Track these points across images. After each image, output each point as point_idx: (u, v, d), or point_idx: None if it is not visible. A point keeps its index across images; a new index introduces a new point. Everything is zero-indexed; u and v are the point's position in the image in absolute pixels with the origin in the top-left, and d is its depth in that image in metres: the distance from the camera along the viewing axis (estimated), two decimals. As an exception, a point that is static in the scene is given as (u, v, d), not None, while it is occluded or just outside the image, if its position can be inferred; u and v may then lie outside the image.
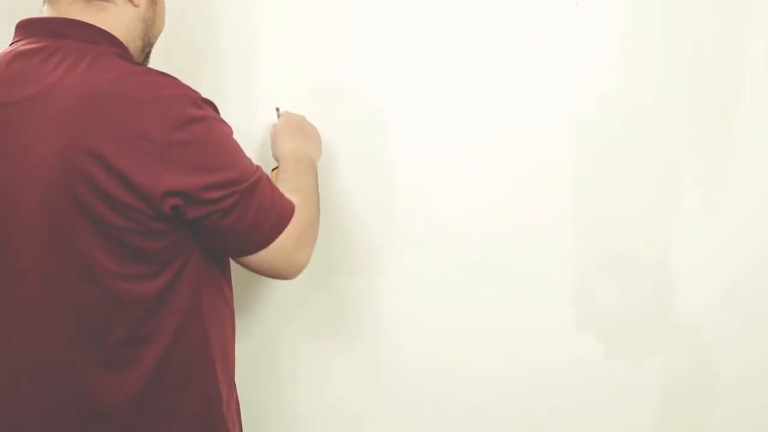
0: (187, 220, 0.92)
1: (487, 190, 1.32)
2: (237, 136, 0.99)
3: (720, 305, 1.32)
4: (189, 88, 0.95)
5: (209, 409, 1.03)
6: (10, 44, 1.00)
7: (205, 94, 0.95)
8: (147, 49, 1.07)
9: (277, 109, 1.31)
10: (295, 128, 1.25)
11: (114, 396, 0.96)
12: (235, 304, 1.11)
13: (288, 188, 1.07)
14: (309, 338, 1.42)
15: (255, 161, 0.93)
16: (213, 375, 1.03)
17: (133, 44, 1.02)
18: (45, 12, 0.99)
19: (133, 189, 0.88)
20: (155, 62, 1.09)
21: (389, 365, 1.41)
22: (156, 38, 1.08)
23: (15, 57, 0.95)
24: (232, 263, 1.05)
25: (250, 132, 1.34)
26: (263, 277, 1.07)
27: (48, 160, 0.89)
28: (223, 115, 0.99)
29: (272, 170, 1.23)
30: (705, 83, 1.25)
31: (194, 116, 0.91)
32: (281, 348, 1.43)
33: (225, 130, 0.97)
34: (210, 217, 0.93)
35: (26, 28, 0.99)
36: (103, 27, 0.98)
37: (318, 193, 1.14)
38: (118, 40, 0.99)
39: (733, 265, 1.31)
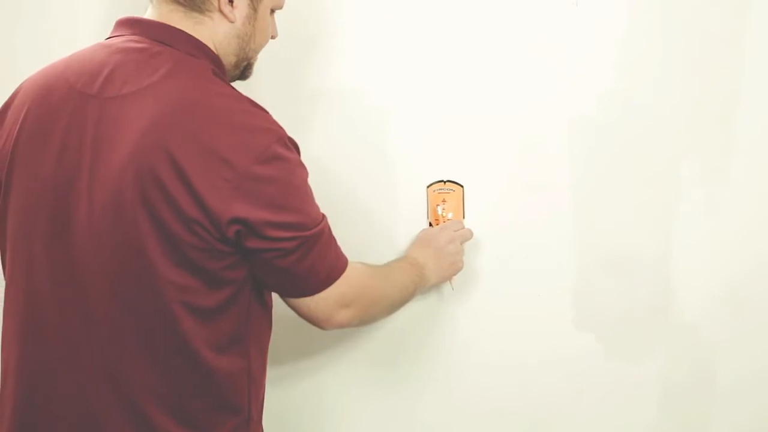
0: (245, 248, 0.92)
1: (486, 189, 1.33)
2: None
3: (720, 305, 1.32)
4: (278, 125, 0.95)
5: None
6: (108, 38, 1.01)
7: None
8: (243, 64, 1.06)
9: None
10: (435, 246, 1.26)
11: (151, 398, 0.96)
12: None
13: (385, 266, 1.18)
14: (307, 343, 1.41)
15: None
16: (247, 401, 1.03)
17: (226, 59, 1.02)
18: (148, 14, 1.00)
19: (204, 208, 0.88)
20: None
21: (388, 365, 1.41)
22: (255, 53, 1.06)
23: (116, 52, 0.96)
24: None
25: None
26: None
27: (127, 158, 0.89)
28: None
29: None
30: (704, 83, 1.25)
31: (279, 154, 0.92)
32: (285, 350, 1.43)
33: (303, 174, 0.97)
34: (268, 252, 0.93)
35: (129, 26, 1.00)
36: (200, 39, 0.98)
37: (397, 295, 1.15)
38: (216, 55, 0.99)
39: (733, 265, 1.31)
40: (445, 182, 1.33)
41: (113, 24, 1.02)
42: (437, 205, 1.32)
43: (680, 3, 1.24)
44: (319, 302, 1.00)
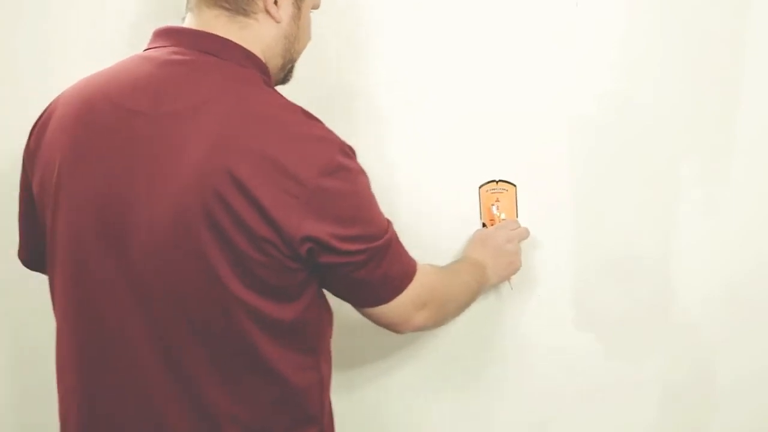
0: (318, 263, 0.90)
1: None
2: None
3: (720, 305, 1.32)
4: (334, 133, 0.93)
5: None
6: (146, 49, 0.96)
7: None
8: (288, 66, 1.02)
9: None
10: (494, 245, 1.25)
11: (223, 414, 0.93)
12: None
13: (449, 267, 1.18)
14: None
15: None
16: (321, 412, 1.01)
17: (273, 62, 0.98)
18: (188, 22, 0.96)
19: (275, 227, 0.85)
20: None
21: (388, 365, 1.41)
22: (299, 54, 1.03)
23: (161, 65, 0.92)
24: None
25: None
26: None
27: (189, 179, 0.86)
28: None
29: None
30: (704, 83, 1.26)
31: (343, 164, 0.89)
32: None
33: (366, 181, 0.94)
34: (343, 267, 0.92)
35: (169, 36, 0.95)
36: (246, 45, 0.94)
37: (463, 294, 1.16)
38: (263, 64, 0.96)
39: (733, 265, 1.31)
40: (497, 182, 1.31)
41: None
42: (491, 204, 1.31)
43: (680, 3, 1.24)
44: (393, 308, 0.99)
